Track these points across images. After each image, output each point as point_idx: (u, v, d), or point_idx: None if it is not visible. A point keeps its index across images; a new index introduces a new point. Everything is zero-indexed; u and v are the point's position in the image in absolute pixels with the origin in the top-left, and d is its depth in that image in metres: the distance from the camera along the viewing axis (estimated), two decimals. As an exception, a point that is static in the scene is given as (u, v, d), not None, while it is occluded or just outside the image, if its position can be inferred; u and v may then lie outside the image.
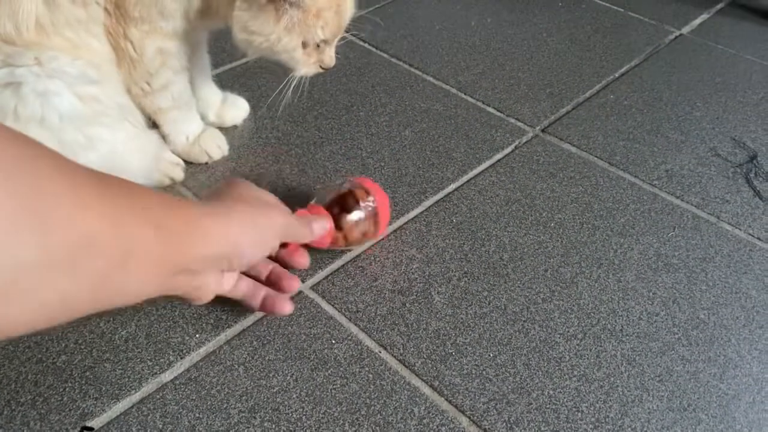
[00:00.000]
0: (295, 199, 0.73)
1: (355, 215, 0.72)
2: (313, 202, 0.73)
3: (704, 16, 1.29)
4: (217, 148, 0.88)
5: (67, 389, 0.62)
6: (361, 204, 0.72)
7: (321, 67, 0.78)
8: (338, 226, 0.71)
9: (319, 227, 0.68)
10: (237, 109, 0.95)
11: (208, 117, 0.91)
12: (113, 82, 0.74)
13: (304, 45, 0.74)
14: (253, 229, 0.58)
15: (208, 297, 0.59)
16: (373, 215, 0.73)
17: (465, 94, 1.04)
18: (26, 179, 0.37)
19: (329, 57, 0.78)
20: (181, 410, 0.61)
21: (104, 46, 0.72)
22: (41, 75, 0.67)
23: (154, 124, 0.83)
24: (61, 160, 0.41)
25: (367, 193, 0.73)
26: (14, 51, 0.66)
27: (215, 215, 0.54)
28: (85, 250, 0.40)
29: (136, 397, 0.62)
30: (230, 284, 0.64)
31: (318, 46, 0.76)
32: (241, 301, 0.66)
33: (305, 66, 0.77)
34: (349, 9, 0.76)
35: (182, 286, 0.53)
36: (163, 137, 0.84)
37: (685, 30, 1.24)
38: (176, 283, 0.52)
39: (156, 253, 0.47)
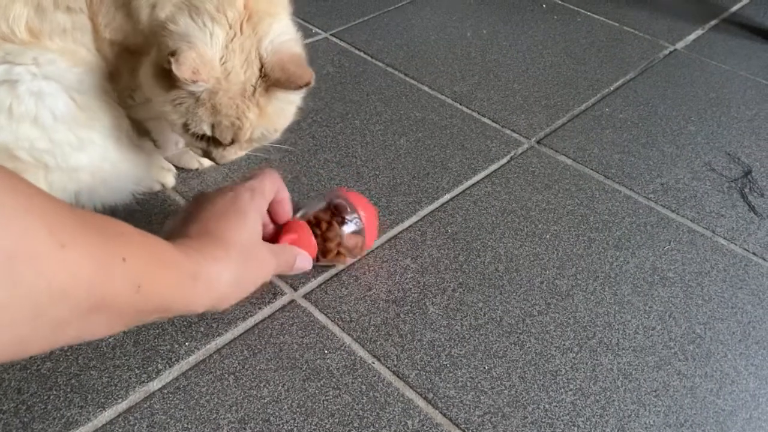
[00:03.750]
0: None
1: (338, 232, 0.70)
2: (297, 215, 0.71)
3: (698, 32, 1.29)
4: (208, 154, 0.87)
5: (51, 397, 0.60)
6: (348, 220, 0.71)
7: (206, 155, 0.72)
8: (323, 244, 0.70)
9: (302, 263, 0.68)
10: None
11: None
12: (108, 96, 0.73)
13: (187, 128, 0.68)
14: (242, 285, 0.58)
15: None
16: (359, 233, 0.72)
17: (460, 104, 1.04)
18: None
19: (219, 155, 0.71)
20: (168, 420, 0.59)
21: (95, 57, 0.70)
22: (38, 75, 0.65)
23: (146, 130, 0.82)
24: (41, 195, 0.39)
25: (355, 209, 0.71)
26: (14, 49, 0.65)
27: (206, 273, 0.53)
28: (52, 299, 0.38)
29: (122, 405, 0.60)
30: None
31: (210, 139, 0.69)
32: None
33: (190, 145, 0.72)
34: (255, 129, 0.68)
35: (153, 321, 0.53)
36: (154, 143, 0.83)
37: (680, 45, 1.24)
38: (146, 321, 0.50)
39: (131, 308, 0.45)
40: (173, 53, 0.61)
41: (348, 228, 0.70)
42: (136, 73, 0.72)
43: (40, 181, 0.68)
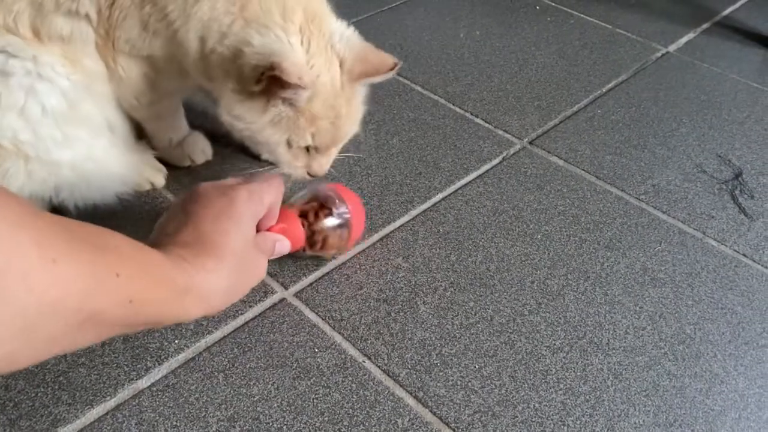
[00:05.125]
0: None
1: (325, 224, 0.70)
2: (287, 204, 0.71)
3: (690, 35, 1.30)
4: (201, 152, 0.87)
5: (39, 394, 0.60)
6: (335, 213, 0.71)
7: (308, 173, 0.74)
8: (309, 235, 0.70)
9: (280, 248, 0.67)
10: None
11: None
12: (104, 101, 0.72)
13: (290, 144, 0.71)
14: (235, 292, 0.57)
15: None
16: (345, 226, 0.72)
17: (453, 104, 1.04)
18: None
19: (318, 165, 0.74)
20: (157, 418, 0.59)
21: (98, 65, 0.70)
22: (32, 73, 0.65)
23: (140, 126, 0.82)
24: (29, 210, 0.39)
25: (343, 203, 0.72)
26: (16, 42, 0.64)
27: (198, 286, 0.52)
28: (43, 316, 0.38)
29: (111, 403, 0.60)
30: None
31: (307, 150, 0.72)
32: None
33: (288, 166, 0.73)
34: (348, 125, 0.73)
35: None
36: (149, 138, 0.83)
37: (672, 48, 1.25)
38: (136, 331, 0.52)
39: (121, 321, 0.45)
40: (271, 67, 0.62)
41: (335, 220, 0.71)
42: (147, 77, 0.73)
43: (20, 169, 0.67)
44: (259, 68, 0.64)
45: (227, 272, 0.55)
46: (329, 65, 0.68)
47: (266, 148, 0.73)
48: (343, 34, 0.70)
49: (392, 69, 0.71)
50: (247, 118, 0.68)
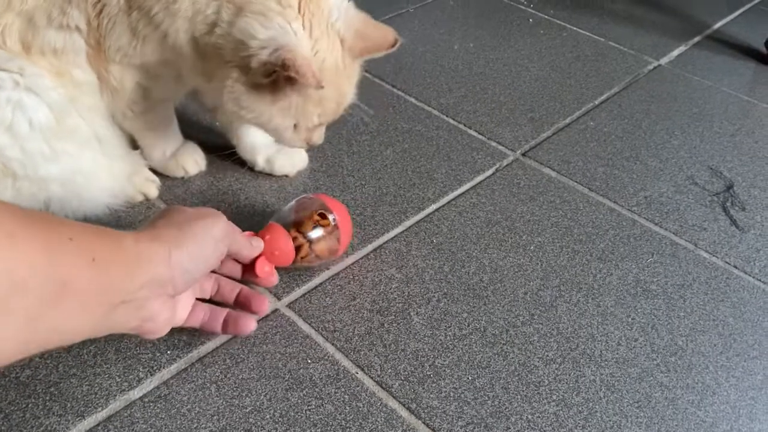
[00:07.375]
0: (272, 215, 0.72)
1: (313, 234, 0.70)
2: (272, 219, 0.71)
3: (682, 48, 1.31)
4: (194, 163, 0.86)
5: (29, 405, 0.59)
6: (321, 223, 0.71)
7: (307, 143, 0.75)
8: (297, 243, 0.69)
9: (257, 243, 0.67)
10: (291, 158, 0.88)
11: (257, 163, 0.87)
12: (93, 113, 0.72)
13: (297, 127, 0.71)
14: (191, 243, 0.55)
15: (163, 329, 0.57)
16: (334, 233, 0.71)
17: (447, 116, 1.04)
18: None
19: (318, 136, 0.75)
20: (149, 429, 0.59)
21: (88, 75, 0.70)
22: (21, 85, 0.65)
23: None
24: None
25: (329, 211, 0.71)
26: (1, 54, 0.64)
27: (149, 239, 0.53)
28: (15, 290, 0.38)
29: (102, 414, 0.59)
30: (185, 313, 0.61)
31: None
32: (201, 329, 0.64)
33: (291, 143, 0.74)
34: (349, 99, 0.73)
35: (128, 319, 0.51)
36: (141, 150, 0.83)
37: (663, 61, 1.26)
38: (119, 317, 0.50)
39: (93, 286, 0.45)
40: (284, 66, 0.61)
41: (322, 230, 0.70)
42: (140, 86, 0.73)
43: (8, 186, 0.67)
44: (270, 65, 0.62)
45: (176, 237, 0.55)
46: (332, 47, 0.66)
47: (273, 133, 0.73)
48: (341, 8, 0.67)
49: (393, 46, 0.70)
50: (256, 109, 0.67)
